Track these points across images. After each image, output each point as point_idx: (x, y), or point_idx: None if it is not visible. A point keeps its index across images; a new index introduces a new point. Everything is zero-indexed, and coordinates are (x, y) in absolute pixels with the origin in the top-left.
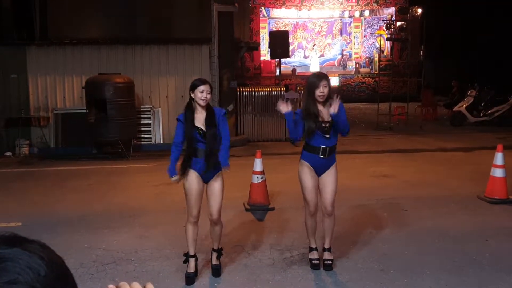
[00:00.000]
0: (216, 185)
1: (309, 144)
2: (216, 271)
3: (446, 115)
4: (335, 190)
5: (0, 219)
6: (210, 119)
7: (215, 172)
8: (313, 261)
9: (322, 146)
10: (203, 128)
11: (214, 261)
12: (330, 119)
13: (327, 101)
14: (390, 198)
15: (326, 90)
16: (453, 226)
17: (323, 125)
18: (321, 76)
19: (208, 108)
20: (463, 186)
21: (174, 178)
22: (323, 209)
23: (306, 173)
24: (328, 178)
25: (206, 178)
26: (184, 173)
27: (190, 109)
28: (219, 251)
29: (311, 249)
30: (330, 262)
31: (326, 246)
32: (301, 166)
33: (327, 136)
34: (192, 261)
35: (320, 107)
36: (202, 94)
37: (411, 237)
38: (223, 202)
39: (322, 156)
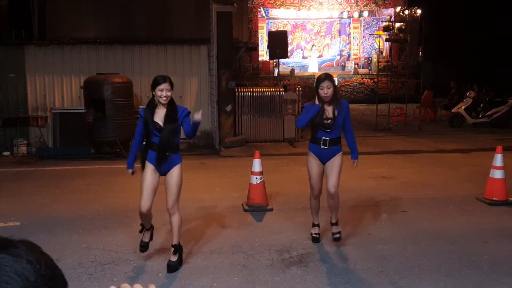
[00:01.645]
0: (171, 177)
1: (313, 135)
2: (170, 267)
3: (445, 117)
4: (338, 174)
5: None
6: (169, 115)
7: (171, 165)
8: (314, 235)
9: (323, 137)
10: (161, 123)
11: (171, 257)
12: (332, 116)
13: (333, 100)
14: (389, 199)
15: (329, 91)
16: (452, 228)
17: (325, 121)
18: (324, 78)
19: (170, 105)
20: (462, 188)
21: (130, 170)
22: (327, 191)
23: (312, 162)
24: (331, 164)
25: (162, 171)
26: (142, 164)
27: (151, 105)
28: (176, 247)
29: (313, 225)
30: (338, 234)
31: (333, 221)
32: (308, 156)
33: (328, 131)
34: (147, 232)
35: (325, 104)
36: (162, 93)
37: (410, 238)
38: (222, 202)
39: (324, 147)
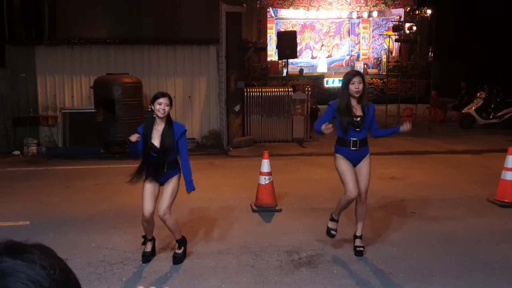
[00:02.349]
0: (167, 186)
1: (341, 137)
2: (175, 259)
3: (455, 117)
4: (369, 178)
5: (8, 218)
6: (165, 135)
7: (168, 177)
8: (332, 231)
9: (352, 138)
10: (157, 143)
11: (176, 250)
12: (362, 114)
13: (363, 97)
14: (399, 200)
15: (361, 86)
16: (463, 229)
17: (355, 119)
18: (356, 73)
19: (167, 121)
20: (472, 189)
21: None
22: (357, 196)
23: (341, 160)
24: (362, 168)
25: (160, 182)
26: (138, 176)
27: (150, 121)
28: (180, 241)
29: (333, 219)
30: (362, 248)
31: (358, 234)
32: (336, 159)
33: (358, 129)
34: (149, 243)
35: (353, 102)
36: (160, 106)
37: (420, 240)
38: (231, 202)
39: (354, 148)
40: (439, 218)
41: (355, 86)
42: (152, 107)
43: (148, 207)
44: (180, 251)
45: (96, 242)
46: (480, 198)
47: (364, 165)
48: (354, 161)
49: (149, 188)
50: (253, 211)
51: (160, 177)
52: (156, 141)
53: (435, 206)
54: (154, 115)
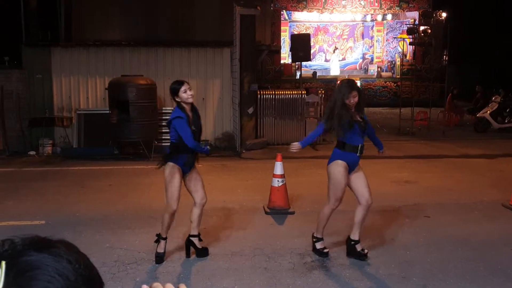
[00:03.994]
0: (197, 174)
1: (347, 143)
2: (206, 250)
3: (470, 121)
4: (368, 183)
5: (24, 217)
6: (198, 120)
7: (193, 164)
8: (324, 250)
9: (360, 144)
10: (195, 128)
11: (200, 245)
12: (360, 119)
13: (359, 106)
14: (412, 204)
15: (355, 100)
16: (477, 234)
17: (361, 122)
18: (352, 86)
19: (193, 107)
20: (486, 194)
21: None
22: (364, 202)
23: (342, 173)
24: (360, 173)
25: (187, 170)
26: (165, 163)
27: (184, 110)
28: (199, 234)
29: (320, 239)
30: (367, 250)
31: (358, 238)
32: (337, 166)
33: (364, 132)
34: (163, 242)
35: (350, 110)
36: (186, 93)
37: (433, 244)
38: (244, 204)
39: (359, 155)
40: (453, 222)
41: (350, 101)
42: (178, 99)
43: (178, 199)
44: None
45: (110, 242)
46: (495, 203)
47: (360, 171)
48: (352, 168)
49: (179, 180)
50: (266, 213)
51: (191, 164)
52: (193, 127)
53: (449, 210)
54: (184, 105)
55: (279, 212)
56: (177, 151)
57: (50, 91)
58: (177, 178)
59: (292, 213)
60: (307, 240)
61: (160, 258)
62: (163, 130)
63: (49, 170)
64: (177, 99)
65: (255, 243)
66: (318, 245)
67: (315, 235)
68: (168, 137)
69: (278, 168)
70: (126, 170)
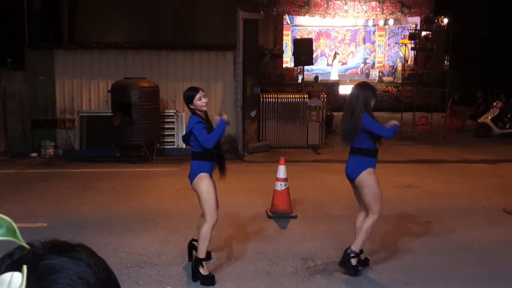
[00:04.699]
0: (214, 184)
1: (372, 149)
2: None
3: (471, 126)
4: None
5: (26, 219)
6: (211, 122)
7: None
8: (359, 267)
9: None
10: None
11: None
12: None
13: None
14: (414, 209)
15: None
16: (479, 239)
17: None
18: (375, 89)
19: (207, 116)
20: (488, 199)
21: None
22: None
23: (377, 180)
24: None
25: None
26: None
27: (201, 117)
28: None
29: (358, 255)
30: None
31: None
32: (372, 174)
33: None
34: (205, 264)
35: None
36: (201, 101)
37: (436, 248)
38: (247, 208)
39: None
40: (455, 227)
41: (375, 102)
42: (192, 107)
43: (217, 210)
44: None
45: (112, 245)
46: (496, 208)
47: None
48: None
49: (213, 189)
50: (269, 217)
51: (224, 170)
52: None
53: (451, 215)
54: (199, 112)
55: (281, 216)
56: (203, 158)
57: (52, 93)
58: (212, 187)
59: (295, 217)
60: (310, 244)
61: (212, 279)
62: (166, 133)
63: (51, 172)
64: (191, 107)
65: (258, 247)
66: (354, 261)
67: (353, 249)
68: (170, 140)
69: (281, 171)
70: (128, 173)
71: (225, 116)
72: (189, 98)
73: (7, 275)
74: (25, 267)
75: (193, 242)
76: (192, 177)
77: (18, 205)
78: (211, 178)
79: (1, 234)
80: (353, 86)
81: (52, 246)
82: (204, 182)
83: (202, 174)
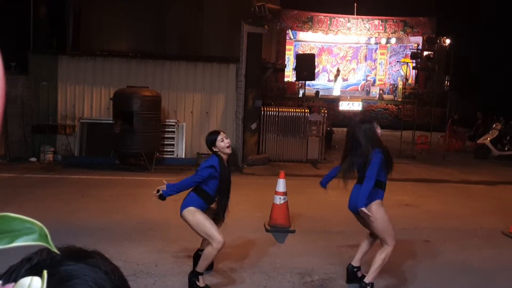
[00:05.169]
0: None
1: (382, 181)
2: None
3: (470, 147)
4: None
5: None
6: (229, 173)
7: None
8: None
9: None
10: (221, 184)
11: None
12: None
13: None
14: (413, 228)
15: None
16: (477, 261)
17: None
18: (374, 120)
19: (228, 158)
20: (486, 220)
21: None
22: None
23: (385, 212)
24: None
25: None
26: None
27: (221, 161)
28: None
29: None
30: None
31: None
32: (381, 207)
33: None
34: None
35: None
36: (223, 142)
37: (434, 269)
38: (245, 221)
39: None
40: (453, 248)
41: (379, 132)
42: (215, 149)
43: (220, 231)
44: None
45: (109, 253)
46: (495, 230)
47: None
48: None
49: (207, 217)
50: (267, 230)
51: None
52: None
53: (449, 235)
54: (222, 155)
55: (280, 230)
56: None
57: (54, 99)
58: (201, 214)
59: (293, 231)
60: (308, 260)
61: None
62: (166, 143)
63: (50, 178)
64: (214, 149)
65: (255, 261)
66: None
67: (368, 282)
68: (170, 150)
69: (281, 185)
70: (127, 181)
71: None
72: (211, 142)
73: (27, 280)
74: (45, 273)
75: (200, 253)
76: (182, 207)
77: (16, 209)
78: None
79: (34, 239)
80: (351, 124)
81: (70, 252)
82: (192, 215)
83: (192, 208)
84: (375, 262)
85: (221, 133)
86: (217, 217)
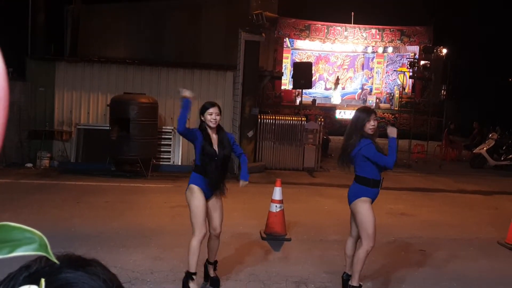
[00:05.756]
0: (218, 200)
1: (375, 179)
2: (217, 282)
3: (466, 157)
4: None
5: None
6: (222, 141)
7: (216, 188)
8: None
9: (381, 178)
10: (216, 150)
11: (213, 274)
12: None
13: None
14: (408, 237)
15: (376, 123)
16: (473, 271)
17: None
18: (370, 111)
19: (218, 130)
20: (482, 230)
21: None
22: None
23: (371, 205)
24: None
25: (208, 195)
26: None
27: (205, 130)
28: (216, 263)
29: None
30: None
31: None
32: (367, 203)
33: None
34: (195, 279)
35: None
36: (211, 116)
37: (429, 278)
38: (240, 229)
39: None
40: (449, 258)
41: (371, 124)
42: (203, 118)
43: (205, 227)
44: (216, 274)
45: (104, 260)
46: (491, 240)
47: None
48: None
49: (203, 205)
50: (263, 238)
51: (213, 189)
52: (215, 147)
53: (445, 245)
54: (206, 126)
55: (275, 238)
56: (197, 171)
57: (51, 105)
58: (201, 200)
59: (289, 239)
60: (303, 268)
61: None
62: (162, 149)
63: (46, 183)
64: (202, 118)
65: (251, 269)
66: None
67: (354, 285)
68: (166, 157)
69: (277, 193)
70: (123, 188)
71: (186, 93)
72: (202, 109)
73: None
74: (43, 281)
75: (209, 265)
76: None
77: (12, 215)
78: (201, 194)
79: (34, 249)
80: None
81: (69, 260)
82: (190, 195)
83: (191, 185)
84: (356, 263)
85: (216, 107)
86: (211, 187)
